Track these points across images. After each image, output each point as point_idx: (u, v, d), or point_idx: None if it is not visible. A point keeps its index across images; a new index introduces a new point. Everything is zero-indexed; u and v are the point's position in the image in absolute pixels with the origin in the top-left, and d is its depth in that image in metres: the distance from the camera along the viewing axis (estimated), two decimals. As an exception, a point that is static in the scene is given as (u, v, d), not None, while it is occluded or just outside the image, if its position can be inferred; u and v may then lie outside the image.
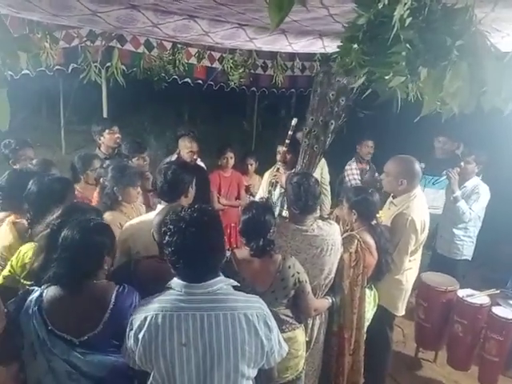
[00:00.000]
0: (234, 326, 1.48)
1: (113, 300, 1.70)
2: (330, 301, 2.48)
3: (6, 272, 2.10)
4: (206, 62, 4.79)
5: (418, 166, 2.81)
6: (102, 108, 4.82)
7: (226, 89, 5.20)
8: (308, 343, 2.43)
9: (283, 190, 3.31)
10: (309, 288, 2.18)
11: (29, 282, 1.95)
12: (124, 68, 4.21)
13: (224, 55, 4.82)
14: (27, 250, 2.07)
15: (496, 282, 3.61)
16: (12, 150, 3.38)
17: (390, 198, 2.96)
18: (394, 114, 3.00)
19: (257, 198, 3.80)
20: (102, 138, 3.76)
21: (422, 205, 2.85)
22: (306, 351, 2.40)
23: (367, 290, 2.67)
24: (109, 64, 4.12)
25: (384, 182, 2.93)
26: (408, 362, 3.60)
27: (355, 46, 1.29)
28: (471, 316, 3.15)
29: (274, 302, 2.07)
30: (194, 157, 3.84)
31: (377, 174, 4.48)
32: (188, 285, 1.52)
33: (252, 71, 5.14)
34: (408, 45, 1.20)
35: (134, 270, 1.98)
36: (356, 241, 2.53)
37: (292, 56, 5.19)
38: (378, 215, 2.74)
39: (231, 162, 4.26)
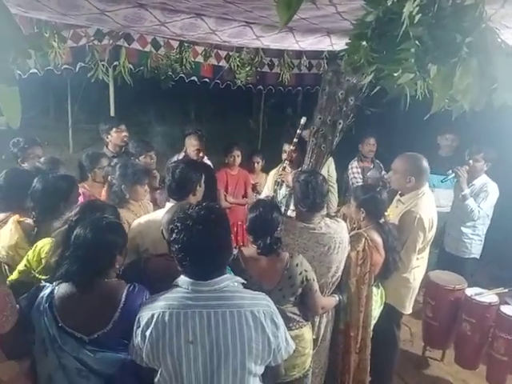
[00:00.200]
0: (241, 324, 1.49)
1: (123, 299, 1.71)
2: (337, 299, 2.48)
3: (21, 267, 2.12)
4: (212, 61, 4.80)
5: (425, 163, 2.80)
6: (110, 107, 4.85)
7: (232, 87, 5.21)
8: (315, 341, 2.43)
9: (289, 190, 3.27)
10: (316, 286, 2.18)
11: (44, 277, 1.97)
12: (131, 67, 4.23)
13: (231, 53, 4.82)
14: (43, 245, 2.09)
15: (504, 281, 3.58)
16: (21, 148, 3.41)
17: (398, 196, 2.94)
18: (400, 112, 2.98)
19: (262, 197, 3.79)
20: (109, 136, 3.78)
21: (430, 203, 2.83)
22: (313, 349, 2.40)
23: (374, 289, 2.66)
24: (116, 63, 4.15)
25: (392, 180, 2.91)
26: (415, 360, 3.59)
27: (364, 43, 1.28)
28: (479, 315, 3.13)
29: (281, 299, 2.07)
30: (200, 154, 3.85)
31: (384, 173, 4.44)
32: (195, 282, 1.53)
33: (259, 69, 5.14)
34: (417, 42, 1.19)
35: (144, 268, 1.99)
36: (363, 239, 2.52)
37: (299, 54, 5.18)
38: (386, 213, 2.73)
39: (238, 160, 4.27)
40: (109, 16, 2.42)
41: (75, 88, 8.56)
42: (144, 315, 1.53)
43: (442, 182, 3.97)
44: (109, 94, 4.77)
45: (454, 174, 3.77)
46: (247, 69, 4.97)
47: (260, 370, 1.57)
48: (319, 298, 2.24)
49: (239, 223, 4.12)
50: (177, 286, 1.56)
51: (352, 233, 2.61)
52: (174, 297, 1.53)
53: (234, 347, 1.47)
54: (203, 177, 2.54)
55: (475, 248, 3.90)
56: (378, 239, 2.58)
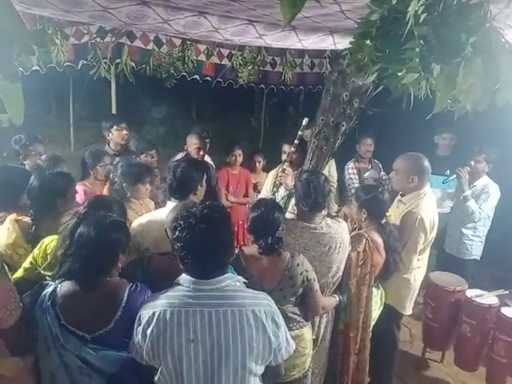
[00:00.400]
0: (242, 323, 1.48)
1: (125, 298, 1.71)
2: (338, 299, 2.47)
3: (27, 264, 2.12)
4: (214, 59, 4.79)
5: (427, 163, 2.79)
6: (111, 105, 4.84)
7: (234, 86, 5.19)
8: (315, 341, 2.43)
9: (287, 192, 3.23)
10: (317, 286, 2.18)
11: (49, 273, 1.98)
12: (133, 65, 4.23)
13: (233, 52, 4.82)
14: (49, 242, 2.10)
15: (505, 282, 3.57)
16: (22, 145, 3.41)
17: (399, 197, 2.94)
18: (398, 112, 2.97)
19: (263, 196, 3.76)
20: (110, 134, 3.78)
21: (431, 203, 2.83)
22: (313, 349, 2.39)
23: (374, 289, 2.65)
24: (118, 60, 4.14)
25: (393, 180, 2.90)
26: (415, 361, 3.58)
27: (368, 42, 1.28)
28: (480, 316, 3.12)
29: (282, 299, 2.07)
30: (201, 153, 3.83)
31: (382, 173, 4.41)
32: (196, 281, 1.53)
33: (261, 68, 5.13)
34: (422, 41, 1.19)
35: (147, 267, 1.99)
36: (364, 240, 2.51)
37: (301, 53, 5.17)
38: (387, 213, 2.73)
39: (239, 159, 4.27)
40: (112, 13, 2.42)
41: (77, 85, 8.58)
42: (145, 313, 1.52)
43: (443, 183, 3.97)
44: (110, 91, 4.77)
45: (455, 175, 3.76)
46: (249, 67, 4.96)
47: (260, 369, 1.56)
48: (320, 298, 2.23)
49: (240, 222, 4.11)
50: (178, 284, 1.56)
51: (353, 233, 2.61)
52: (175, 295, 1.53)
53: (235, 346, 1.47)
54: (205, 176, 2.53)
55: (476, 249, 3.89)
56: (379, 240, 2.57)
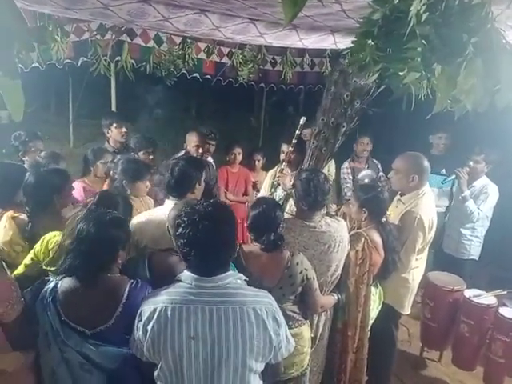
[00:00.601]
0: (243, 321, 1.49)
1: (126, 294, 1.72)
2: (336, 298, 2.48)
3: (27, 260, 2.13)
4: (215, 57, 4.78)
5: (427, 163, 2.80)
6: (111, 102, 4.84)
7: (234, 84, 5.19)
8: (313, 339, 2.43)
9: (285, 193, 3.19)
10: (316, 285, 2.18)
11: (52, 269, 1.99)
12: (133, 62, 4.22)
13: (233, 50, 4.81)
14: (51, 237, 2.10)
15: (503, 282, 3.58)
16: (22, 141, 3.41)
17: (398, 196, 2.94)
18: (394, 112, 2.95)
19: (263, 195, 3.75)
20: (109, 131, 3.78)
21: (430, 203, 2.83)
22: (311, 347, 2.40)
23: (373, 288, 2.66)
24: (118, 58, 4.13)
25: (393, 180, 2.90)
26: (413, 361, 3.59)
27: (370, 41, 1.28)
28: (478, 316, 3.13)
29: (281, 298, 2.07)
30: (200, 151, 3.82)
31: (381, 174, 4.38)
32: (198, 278, 1.53)
33: (261, 67, 5.13)
34: (424, 40, 1.19)
35: (149, 263, 1.99)
36: (363, 239, 2.52)
37: (301, 52, 5.17)
38: (387, 213, 2.73)
39: (239, 157, 4.27)
40: (112, 10, 2.42)
41: (77, 83, 8.56)
42: (146, 309, 1.53)
43: (442, 183, 3.97)
44: (110, 89, 4.76)
45: (454, 176, 3.77)
46: (249, 66, 4.95)
47: (260, 367, 1.57)
48: (319, 296, 2.24)
49: (239, 221, 4.10)
50: (180, 280, 1.56)
51: (352, 232, 2.61)
52: (176, 292, 1.53)
53: (236, 344, 1.47)
54: (203, 175, 2.53)
55: (474, 249, 3.90)
56: (378, 239, 2.58)
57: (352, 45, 1.38)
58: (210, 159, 4.22)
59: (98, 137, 5.02)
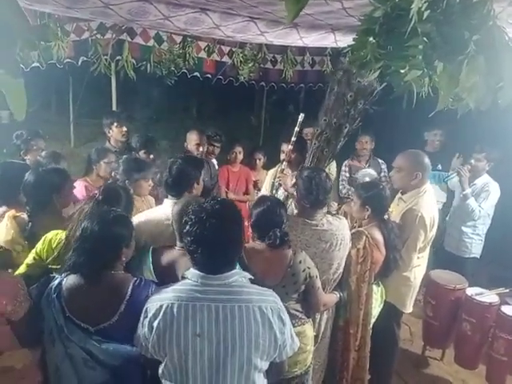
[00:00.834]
0: (249, 319, 1.49)
1: (129, 292, 1.73)
2: (338, 296, 2.48)
3: (29, 260, 2.13)
4: (215, 56, 4.78)
5: (428, 160, 2.80)
6: (111, 101, 4.84)
7: (234, 83, 5.19)
8: (315, 338, 2.43)
9: (286, 193, 3.14)
10: (319, 283, 2.18)
11: (55, 266, 2.02)
12: (134, 61, 4.22)
13: (234, 49, 4.81)
14: (53, 236, 2.12)
15: (505, 280, 3.57)
16: (24, 140, 3.42)
17: (399, 194, 2.94)
18: (390, 110, 2.93)
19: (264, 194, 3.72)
20: (110, 131, 3.78)
21: (431, 201, 2.83)
22: (314, 346, 2.40)
23: (374, 287, 2.66)
24: (119, 57, 4.13)
25: (395, 178, 2.89)
26: (415, 359, 3.59)
27: (371, 39, 1.27)
28: (480, 315, 3.13)
29: (284, 296, 2.06)
30: (200, 149, 3.80)
31: (383, 173, 4.34)
32: (205, 276, 1.53)
33: (261, 65, 5.13)
34: (425, 38, 1.18)
35: (152, 258, 2.01)
36: (364, 237, 2.52)
37: (302, 50, 5.17)
38: (389, 210, 2.73)
39: (240, 156, 4.27)
40: (113, 10, 2.42)
41: (77, 82, 8.57)
42: (152, 306, 1.53)
43: (443, 181, 3.98)
44: (111, 88, 4.77)
45: (456, 173, 3.77)
46: (250, 65, 4.95)
47: (265, 365, 1.57)
48: (321, 295, 2.24)
49: (241, 220, 4.10)
50: (186, 278, 1.57)
51: (353, 230, 2.61)
52: (182, 289, 1.54)
53: (241, 342, 1.48)
54: (202, 174, 2.53)
55: (475, 248, 3.90)
56: (379, 237, 2.58)
57: (353, 42, 1.37)
58: (214, 161, 4.22)
59: (98, 136, 5.03)
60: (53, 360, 1.75)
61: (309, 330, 2.28)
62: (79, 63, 3.96)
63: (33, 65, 3.49)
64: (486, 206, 3.71)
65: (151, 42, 4.26)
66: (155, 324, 1.49)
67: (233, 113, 10.59)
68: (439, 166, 4.02)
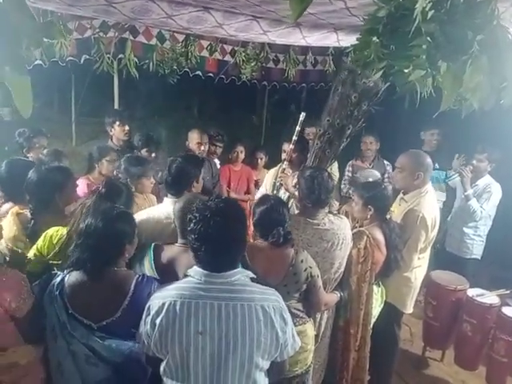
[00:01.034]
0: (251, 317, 1.49)
1: (132, 288, 1.74)
2: (339, 295, 2.48)
3: (30, 256, 2.14)
4: (217, 55, 4.78)
5: (430, 160, 2.80)
6: (114, 100, 4.84)
7: (237, 82, 5.18)
8: (316, 337, 2.43)
9: (287, 194, 3.12)
10: (320, 283, 2.18)
11: (57, 262, 2.03)
12: (136, 60, 4.22)
13: (236, 48, 4.81)
14: (54, 232, 2.13)
15: (506, 282, 3.58)
16: (26, 137, 3.42)
17: (401, 195, 2.94)
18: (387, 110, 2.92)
19: (257, 196, 3.68)
20: (112, 129, 3.79)
21: (433, 201, 2.83)
22: (314, 345, 2.40)
23: (375, 287, 2.66)
24: (121, 56, 4.13)
25: (397, 179, 2.88)
26: (415, 360, 3.59)
27: (374, 38, 1.28)
28: (480, 316, 3.13)
29: (285, 295, 2.06)
30: (202, 148, 3.80)
31: (386, 175, 4.33)
32: (208, 273, 1.54)
33: (264, 65, 5.12)
34: (429, 38, 1.18)
35: (153, 255, 2.02)
36: (365, 237, 2.52)
37: (304, 50, 5.16)
38: (391, 209, 2.73)
39: (241, 156, 4.27)
40: (116, 8, 2.42)
41: (79, 81, 8.57)
42: (155, 303, 1.53)
43: (445, 181, 3.98)
44: (113, 87, 4.76)
45: (457, 174, 3.77)
46: (252, 64, 4.95)
47: (266, 364, 1.57)
48: (323, 294, 2.24)
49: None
50: (189, 276, 1.57)
51: (354, 230, 2.60)
52: (185, 287, 1.54)
53: (243, 340, 1.48)
54: (201, 173, 2.53)
55: (477, 248, 3.89)
56: (380, 237, 2.57)
57: (356, 42, 1.37)
58: (216, 161, 4.22)
59: (100, 135, 5.02)
60: (55, 356, 1.76)
61: (310, 329, 2.28)
62: (81, 61, 3.96)
63: (35, 62, 3.49)
64: (488, 207, 3.70)
65: (154, 41, 4.26)
66: (158, 321, 1.49)
67: (234, 112, 10.58)
68: (436, 165, 4.03)
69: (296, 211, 2.62)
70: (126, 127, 3.79)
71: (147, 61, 4.34)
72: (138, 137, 3.76)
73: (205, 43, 4.63)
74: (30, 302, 1.75)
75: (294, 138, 3.13)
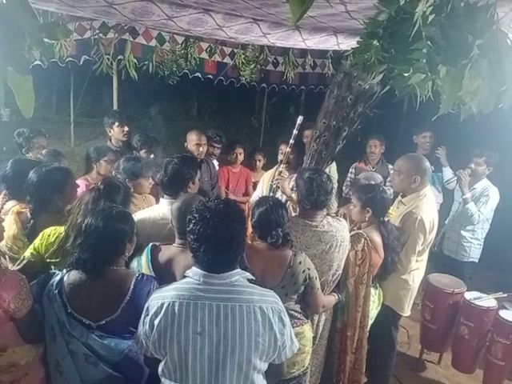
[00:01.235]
0: (250, 318, 1.50)
1: (131, 287, 1.74)
2: (337, 297, 2.48)
3: (27, 255, 2.14)
4: (217, 57, 4.79)
5: (428, 164, 2.81)
6: (112, 101, 4.84)
7: (236, 84, 5.19)
8: (313, 339, 2.43)
9: (284, 197, 3.07)
10: (318, 284, 2.19)
11: (54, 260, 2.04)
12: (136, 61, 4.22)
13: (235, 50, 4.82)
14: (51, 231, 2.13)
15: (502, 285, 3.58)
16: (26, 138, 3.42)
17: (399, 197, 2.95)
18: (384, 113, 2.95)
19: (253, 198, 3.67)
20: (111, 130, 3.79)
21: (431, 204, 2.84)
22: (312, 347, 2.40)
23: (372, 289, 2.66)
24: (120, 57, 4.13)
25: (395, 181, 2.90)
26: (412, 363, 3.59)
27: (375, 42, 1.28)
28: (478, 319, 3.13)
29: (283, 297, 2.06)
30: (200, 149, 3.79)
31: (389, 178, 4.33)
32: (207, 274, 1.54)
33: (263, 67, 5.14)
34: (429, 42, 1.19)
35: (151, 255, 2.02)
36: (363, 239, 2.52)
37: (304, 53, 5.18)
38: (389, 211, 2.74)
39: (240, 157, 4.27)
40: (116, 9, 2.42)
41: (78, 81, 8.57)
42: (153, 304, 1.54)
43: (445, 184, 3.99)
44: (112, 88, 4.76)
45: (455, 177, 3.78)
46: (251, 66, 4.96)
47: (264, 366, 1.57)
48: (321, 296, 2.24)
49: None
50: (187, 277, 1.57)
51: (352, 233, 2.61)
52: (184, 287, 1.54)
53: (242, 341, 1.48)
54: (198, 174, 2.53)
55: (474, 252, 3.90)
56: (378, 240, 2.58)
57: (357, 45, 1.38)
58: (215, 162, 4.22)
59: (99, 135, 5.03)
60: (54, 356, 1.76)
61: (307, 330, 2.28)
62: (81, 62, 3.95)
63: (34, 63, 3.49)
64: (486, 211, 3.71)
65: (153, 42, 4.26)
66: (156, 322, 1.50)
67: (233, 114, 10.61)
68: (432, 167, 4.05)
69: (293, 214, 2.62)
70: (125, 128, 3.79)
71: (146, 62, 4.34)
72: (137, 137, 3.76)
73: (204, 45, 4.63)
74: (29, 302, 1.74)
75: (291, 141, 3.13)
